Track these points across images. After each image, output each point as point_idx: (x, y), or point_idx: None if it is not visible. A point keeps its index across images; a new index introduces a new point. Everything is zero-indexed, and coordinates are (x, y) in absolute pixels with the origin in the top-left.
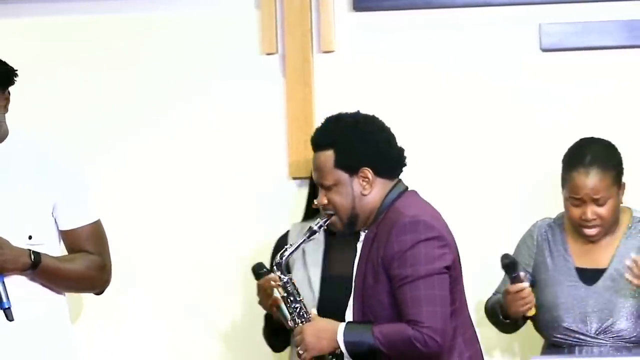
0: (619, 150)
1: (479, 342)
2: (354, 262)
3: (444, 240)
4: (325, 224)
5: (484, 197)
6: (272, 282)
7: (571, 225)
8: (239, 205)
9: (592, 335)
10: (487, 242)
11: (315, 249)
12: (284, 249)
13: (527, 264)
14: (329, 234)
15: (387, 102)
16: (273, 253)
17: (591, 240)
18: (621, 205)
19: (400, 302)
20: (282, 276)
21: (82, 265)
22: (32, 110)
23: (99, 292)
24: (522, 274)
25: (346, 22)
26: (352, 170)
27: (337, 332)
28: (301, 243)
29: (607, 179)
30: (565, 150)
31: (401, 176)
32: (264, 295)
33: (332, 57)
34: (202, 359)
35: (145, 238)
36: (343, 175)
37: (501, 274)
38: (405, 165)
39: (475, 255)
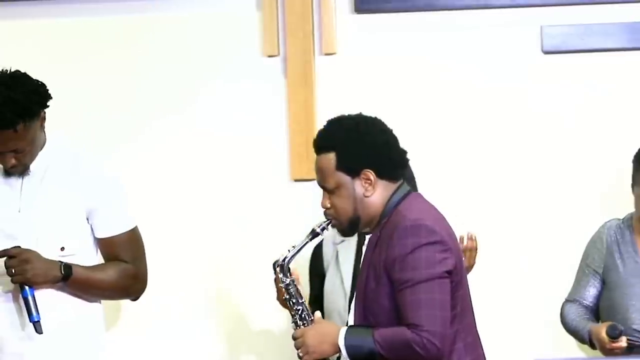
0: (618, 152)
1: (481, 347)
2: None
3: (446, 244)
4: (328, 226)
5: (483, 198)
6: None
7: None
8: (240, 207)
9: None
10: (487, 243)
11: (348, 247)
12: (287, 251)
13: (598, 266)
14: (360, 235)
15: (389, 103)
16: (311, 256)
17: None
18: None
19: (401, 306)
20: (284, 278)
21: (114, 274)
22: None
23: (135, 299)
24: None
25: (348, 24)
26: (354, 172)
27: (339, 336)
28: (303, 245)
29: None
30: (565, 149)
31: None
32: (280, 290)
33: (334, 59)
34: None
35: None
36: (345, 178)
37: (501, 275)
38: (407, 166)
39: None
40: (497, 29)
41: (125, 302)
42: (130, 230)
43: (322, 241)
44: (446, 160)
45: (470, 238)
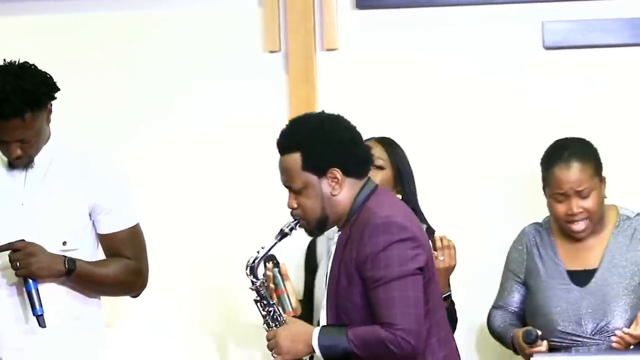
0: (620, 148)
1: (454, 341)
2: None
3: (417, 241)
4: (296, 225)
5: (485, 193)
6: (268, 273)
7: (558, 226)
8: (240, 204)
9: (588, 336)
10: (486, 241)
11: None
12: (257, 252)
13: (520, 272)
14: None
15: (390, 99)
16: (306, 250)
17: (579, 236)
18: (607, 203)
19: (374, 304)
20: (254, 280)
21: (116, 270)
22: None
23: (135, 295)
24: (539, 333)
25: (349, 20)
26: (321, 172)
27: (312, 336)
28: (272, 246)
29: (588, 170)
30: None
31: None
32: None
33: (335, 54)
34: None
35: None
36: (311, 177)
37: (490, 276)
38: (373, 162)
39: (473, 256)
40: (499, 25)
41: (124, 299)
42: (132, 227)
43: (314, 239)
44: (447, 156)
45: (443, 237)
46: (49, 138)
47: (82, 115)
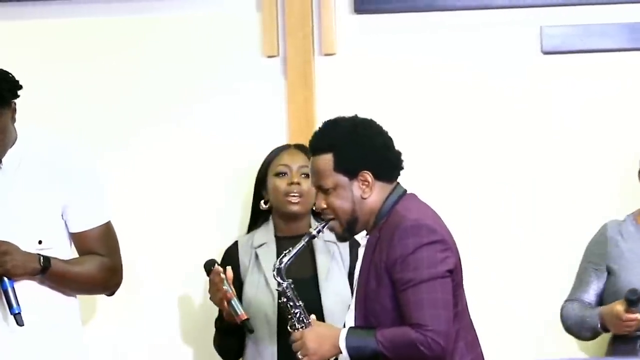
0: (619, 152)
1: (480, 346)
2: (309, 264)
3: (447, 244)
4: (324, 228)
5: (484, 198)
6: (222, 275)
7: None
8: (239, 208)
9: None
10: (486, 245)
11: (267, 249)
12: (283, 254)
13: (601, 260)
14: (278, 239)
15: (389, 104)
16: (222, 262)
17: None
18: None
19: (403, 306)
20: (282, 281)
21: (91, 267)
22: (37, 112)
23: (111, 294)
24: None
25: (347, 24)
26: (352, 174)
27: (340, 337)
28: (300, 248)
29: None
30: (565, 150)
31: (402, 178)
32: (215, 290)
33: (334, 59)
34: None
35: (145, 240)
36: (343, 179)
37: (501, 276)
38: (403, 168)
39: (473, 257)
40: (497, 30)
41: (117, 299)
42: (104, 224)
43: (235, 242)
44: (446, 161)
45: None
46: (15, 139)
47: (82, 118)
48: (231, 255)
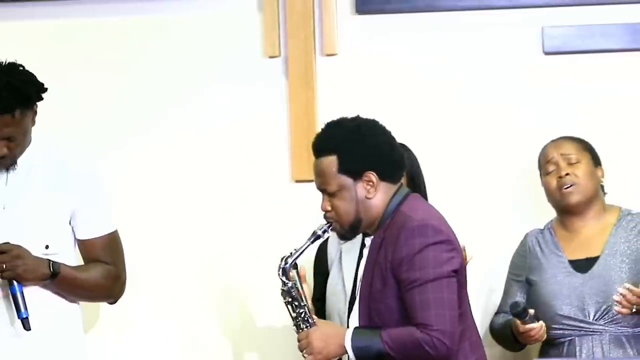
0: (619, 153)
1: (483, 347)
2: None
3: (452, 244)
4: (329, 228)
5: (485, 199)
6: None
7: (554, 203)
8: (241, 208)
9: (591, 321)
10: (487, 246)
11: (351, 249)
12: (289, 254)
13: (522, 271)
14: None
15: (390, 104)
16: (317, 250)
17: (571, 206)
18: (609, 203)
19: (409, 306)
20: (286, 281)
21: (97, 275)
22: (37, 111)
23: (113, 302)
24: (531, 311)
25: (349, 25)
26: (356, 175)
27: (345, 337)
28: (305, 248)
29: (577, 144)
30: None
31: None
32: None
33: (335, 60)
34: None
35: (146, 242)
36: (347, 180)
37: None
38: (405, 168)
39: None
40: (498, 30)
41: (131, 307)
42: (111, 233)
43: (327, 239)
44: (447, 161)
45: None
46: (30, 142)
47: (82, 119)
48: (322, 247)
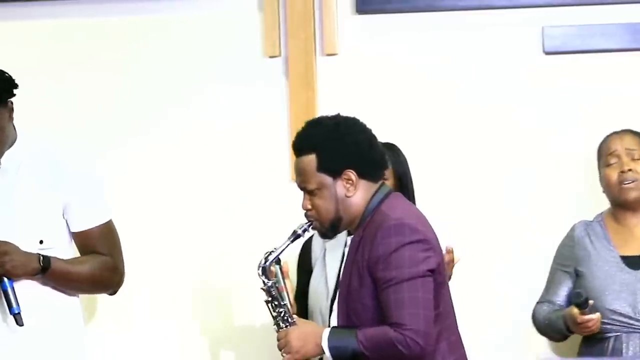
0: None
1: (463, 347)
2: None
3: (429, 243)
4: (309, 227)
5: (485, 198)
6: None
7: (610, 197)
8: (240, 208)
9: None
10: (486, 245)
11: (335, 246)
12: (269, 252)
13: (570, 262)
14: (349, 232)
15: (391, 104)
16: (301, 247)
17: (629, 202)
18: None
19: (384, 305)
20: (266, 280)
21: (92, 267)
22: (38, 112)
23: (113, 293)
24: (591, 302)
25: (349, 24)
26: (336, 173)
27: (322, 337)
28: (285, 247)
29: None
30: (566, 151)
31: None
32: None
33: (335, 60)
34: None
35: (146, 241)
36: (326, 179)
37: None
38: (387, 167)
39: (473, 257)
40: (498, 30)
41: (127, 303)
42: (105, 223)
43: (312, 236)
44: (446, 161)
45: (449, 251)
46: (15, 140)
47: (82, 119)
48: (306, 244)
